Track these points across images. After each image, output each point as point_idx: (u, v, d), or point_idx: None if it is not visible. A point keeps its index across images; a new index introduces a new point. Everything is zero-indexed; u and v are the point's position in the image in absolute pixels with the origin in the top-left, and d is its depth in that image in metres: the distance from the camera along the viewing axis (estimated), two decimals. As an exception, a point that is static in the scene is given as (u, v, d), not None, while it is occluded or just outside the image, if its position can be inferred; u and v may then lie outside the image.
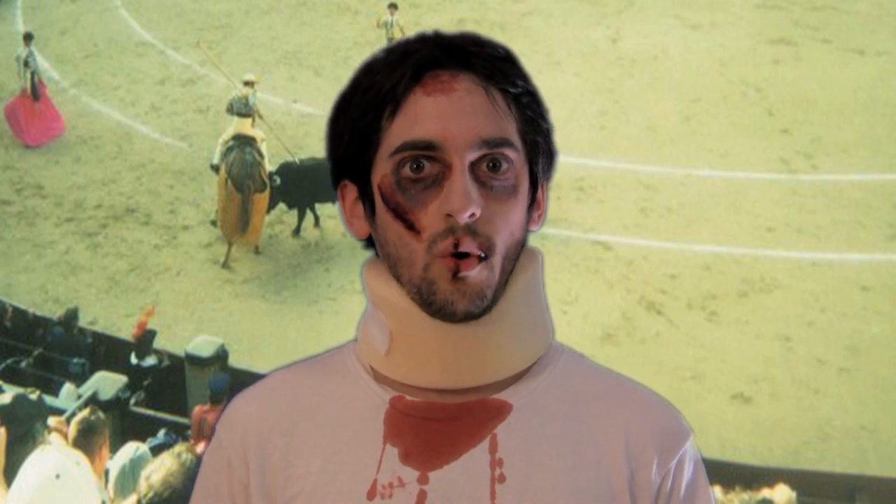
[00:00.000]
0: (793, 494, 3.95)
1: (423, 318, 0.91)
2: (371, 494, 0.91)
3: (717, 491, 3.91)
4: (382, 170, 0.90)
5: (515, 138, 0.90)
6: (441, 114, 0.88)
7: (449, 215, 0.87)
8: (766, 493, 3.81)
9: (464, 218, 0.86)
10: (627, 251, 9.09)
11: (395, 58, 0.91)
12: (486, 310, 0.90)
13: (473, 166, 0.88)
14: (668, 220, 9.52)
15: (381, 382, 0.96)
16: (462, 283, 0.88)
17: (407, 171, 0.88)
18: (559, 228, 9.35)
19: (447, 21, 14.24)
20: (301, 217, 9.44)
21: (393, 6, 11.97)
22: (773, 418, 7.09)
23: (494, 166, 0.89)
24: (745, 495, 3.67)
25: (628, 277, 8.74)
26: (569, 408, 0.95)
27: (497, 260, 0.89)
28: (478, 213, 0.87)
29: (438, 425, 0.92)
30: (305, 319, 8.28)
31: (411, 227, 0.89)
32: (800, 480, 4.75)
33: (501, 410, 0.93)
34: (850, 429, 6.99)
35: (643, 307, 8.34)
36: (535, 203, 0.95)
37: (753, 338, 7.93)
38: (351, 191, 0.96)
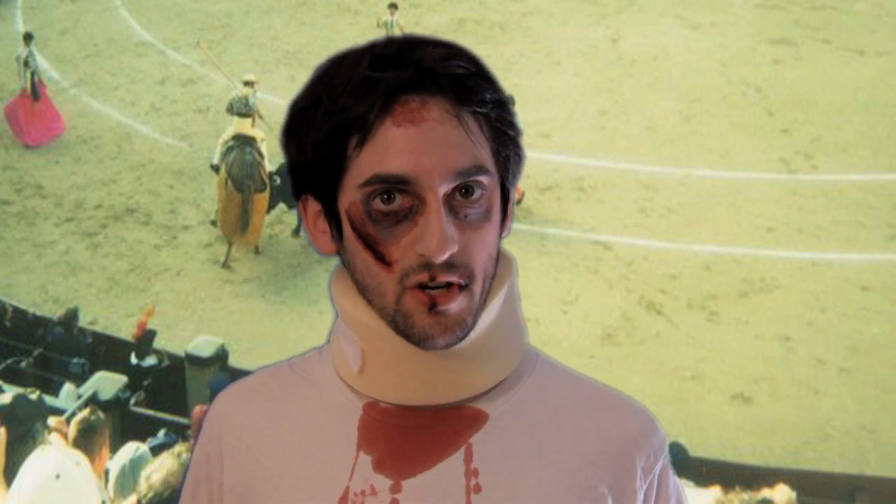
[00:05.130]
0: (793, 494, 3.94)
1: (397, 340, 0.89)
2: (342, 501, 0.90)
3: (717, 491, 3.90)
4: (351, 197, 0.87)
5: (489, 161, 0.87)
6: (413, 147, 0.84)
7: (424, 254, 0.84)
8: (766, 493, 3.81)
9: (441, 259, 0.84)
10: (627, 251, 9.09)
11: (359, 81, 0.85)
12: (467, 335, 0.88)
13: (447, 196, 0.85)
14: (668, 220, 9.51)
15: (354, 388, 0.95)
16: (442, 316, 0.86)
17: (378, 202, 0.85)
18: (559, 228, 9.35)
19: (447, 21, 14.24)
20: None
21: (393, 6, 11.98)
22: (773, 418, 7.08)
23: (467, 192, 0.86)
24: (745, 495, 3.66)
25: (628, 277, 8.73)
26: (546, 417, 0.94)
27: (478, 286, 0.88)
28: (455, 250, 0.84)
29: (412, 433, 0.91)
30: (305, 319, 8.27)
31: (381, 259, 0.86)
32: (800, 480, 4.74)
33: (477, 419, 0.92)
34: (850, 429, 6.98)
35: (643, 307, 8.34)
36: (506, 215, 0.93)
37: (753, 338, 7.93)
38: (313, 205, 0.93)
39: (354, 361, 0.93)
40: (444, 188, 0.84)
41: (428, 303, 0.85)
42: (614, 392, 0.99)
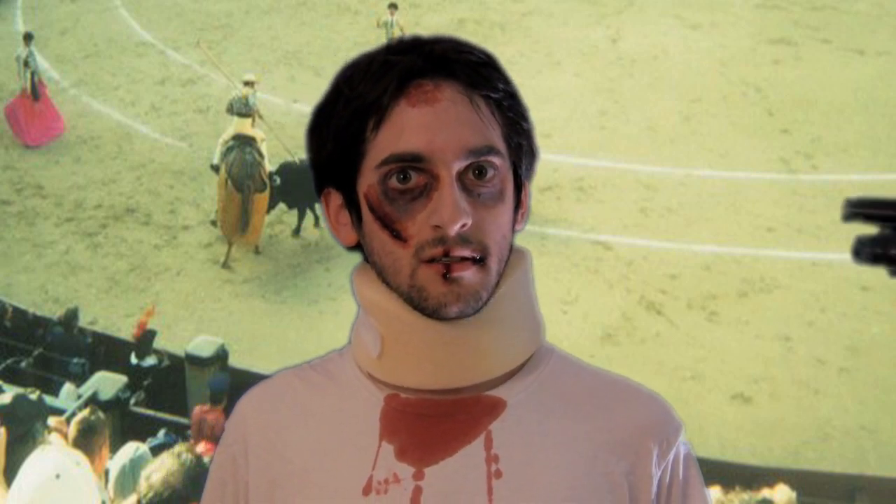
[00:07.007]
0: (793, 494, 3.95)
1: (413, 320, 0.91)
2: (366, 490, 0.92)
3: (717, 491, 3.90)
4: (368, 180, 0.91)
5: (500, 144, 0.91)
6: (427, 125, 0.88)
7: (438, 227, 0.87)
8: (766, 493, 3.81)
9: (454, 229, 0.87)
10: (627, 251, 9.09)
11: (376, 68, 0.90)
12: (478, 310, 0.90)
13: (460, 175, 0.88)
14: (668, 220, 9.51)
15: (376, 382, 0.97)
16: (456, 284, 0.88)
17: (394, 181, 0.89)
18: (559, 228, 9.35)
19: (447, 21, 14.23)
20: (301, 217, 9.44)
21: (393, 6, 11.96)
22: (773, 418, 7.08)
23: (480, 173, 0.89)
24: (745, 495, 3.67)
25: (628, 277, 8.73)
26: (563, 404, 0.96)
27: (493, 262, 0.90)
28: (469, 222, 0.87)
29: (433, 422, 0.93)
30: (305, 319, 8.28)
31: (398, 235, 0.89)
32: (800, 480, 4.74)
33: (496, 407, 0.94)
34: (850, 429, 6.98)
35: (643, 307, 8.34)
36: (519, 203, 0.96)
37: (753, 338, 7.93)
38: (335, 198, 0.96)
39: (374, 347, 0.95)
40: (458, 165, 0.88)
41: (442, 271, 0.88)
42: (629, 381, 1.01)
